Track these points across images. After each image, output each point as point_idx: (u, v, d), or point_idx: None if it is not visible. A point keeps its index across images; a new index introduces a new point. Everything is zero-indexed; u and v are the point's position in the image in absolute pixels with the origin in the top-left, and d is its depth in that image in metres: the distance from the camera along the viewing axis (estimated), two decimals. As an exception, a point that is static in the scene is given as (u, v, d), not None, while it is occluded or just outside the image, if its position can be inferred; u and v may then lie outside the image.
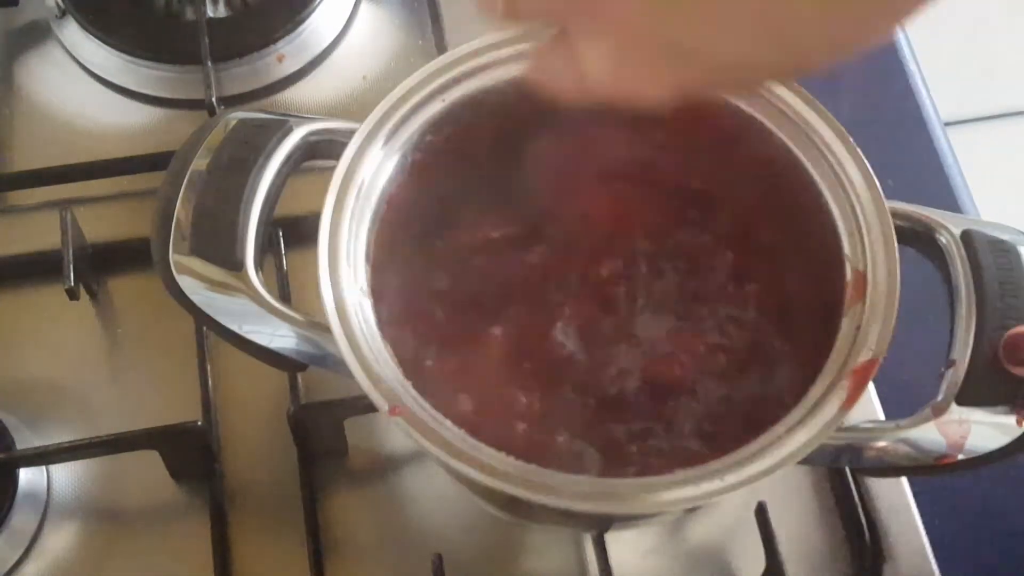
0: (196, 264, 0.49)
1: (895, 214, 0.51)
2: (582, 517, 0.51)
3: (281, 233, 0.64)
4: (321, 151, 0.54)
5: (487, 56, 0.54)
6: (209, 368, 0.61)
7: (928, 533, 0.59)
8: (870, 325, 0.47)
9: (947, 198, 0.72)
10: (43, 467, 0.59)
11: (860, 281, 0.49)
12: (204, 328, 0.61)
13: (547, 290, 0.57)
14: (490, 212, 0.57)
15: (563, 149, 0.56)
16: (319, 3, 0.74)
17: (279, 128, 0.53)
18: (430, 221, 0.57)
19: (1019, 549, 0.61)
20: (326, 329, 0.46)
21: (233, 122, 0.53)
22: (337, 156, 0.51)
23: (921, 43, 0.82)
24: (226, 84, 0.72)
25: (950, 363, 0.48)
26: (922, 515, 0.59)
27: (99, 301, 0.65)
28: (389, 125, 0.52)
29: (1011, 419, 0.47)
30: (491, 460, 0.44)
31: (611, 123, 0.50)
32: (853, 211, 0.50)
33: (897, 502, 0.59)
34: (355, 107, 0.73)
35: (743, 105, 0.53)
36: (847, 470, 0.60)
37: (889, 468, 0.49)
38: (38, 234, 0.64)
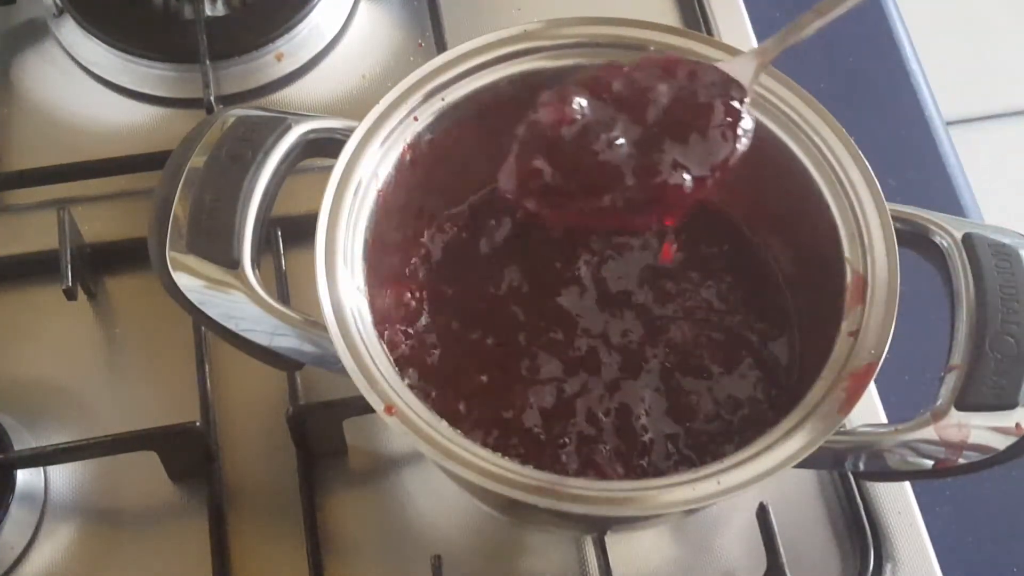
0: (193, 262, 0.49)
1: (896, 216, 0.50)
2: (579, 519, 0.51)
3: (280, 232, 0.64)
4: (320, 149, 0.54)
5: (487, 56, 0.53)
6: (208, 368, 0.61)
7: (930, 533, 0.58)
8: (869, 329, 0.47)
9: (949, 198, 0.72)
10: (40, 468, 0.59)
11: (860, 284, 0.49)
12: (203, 328, 0.61)
13: (546, 289, 0.57)
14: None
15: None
16: (318, 2, 0.74)
17: (277, 126, 0.52)
18: (428, 220, 0.57)
19: (1020, 549, 0.61)
20: (323, 328, 0.46)
21: (231, 119, 0.52)
22: (336, 154, 0.51)
23: (923, 42, 0.82)
24: (224, 83, 0.72)
25: (950, 367, 0.48)
26: (924, 516, 0.59)
27: (97, 301, 0.65)
28: (388, 124, 0.52)
29: (1010, 423, 0.46)
30: (486, 461, 0.44)
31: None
32: (854, 213, 0.50)
33: (899, 503, 0.59)
34: (354, 106, 0.73)
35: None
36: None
37: (889, 473, 0.48)
38: (35, 234, 0.64)
